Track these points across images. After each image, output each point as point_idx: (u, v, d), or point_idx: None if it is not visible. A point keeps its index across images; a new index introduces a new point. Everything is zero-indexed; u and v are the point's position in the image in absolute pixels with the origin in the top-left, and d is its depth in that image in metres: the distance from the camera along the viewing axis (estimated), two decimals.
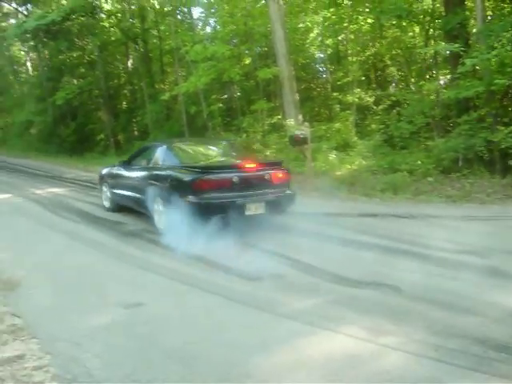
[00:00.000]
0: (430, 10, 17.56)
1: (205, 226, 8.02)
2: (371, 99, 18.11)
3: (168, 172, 9.25)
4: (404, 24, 17.51)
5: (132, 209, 10.77)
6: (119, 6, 30.22)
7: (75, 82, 33.14)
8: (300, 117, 17.42)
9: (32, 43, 34.10)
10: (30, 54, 40.20)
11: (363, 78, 20.04)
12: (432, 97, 16.27)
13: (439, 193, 12.24)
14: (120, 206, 11.42)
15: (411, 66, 19.17)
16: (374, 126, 17.34)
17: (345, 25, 19.22)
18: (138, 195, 10.11)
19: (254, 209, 8.60)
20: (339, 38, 20.65)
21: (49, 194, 15.14)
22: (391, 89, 20.32)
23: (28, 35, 30.56)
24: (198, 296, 5.77)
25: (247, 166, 9.09)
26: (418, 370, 3.90)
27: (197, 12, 54.12)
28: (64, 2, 29.92)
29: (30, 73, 41.56)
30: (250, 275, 6.35)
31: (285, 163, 10.43)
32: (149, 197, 9.47)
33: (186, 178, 8.65)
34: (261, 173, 8.99)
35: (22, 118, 35.96)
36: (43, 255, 7.93)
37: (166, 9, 27.76)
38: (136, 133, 28.53)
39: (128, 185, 10.82)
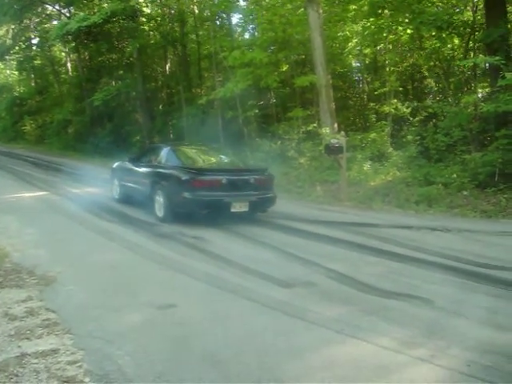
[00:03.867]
0: (470, 22, 17.42)
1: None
2: (408, 110, 17.97)
3: (169, 170, 11.09)
4: (444, 35, 17.35)
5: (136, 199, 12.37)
6: (159, 10, 30.51)
7: (113, 83, 33.53)
8: (336, 125, 17.40)
9: (73, 44, 34.60)
10: (71, 55, 40.70)
11: (400, 89, 19.90)
12: (470, 110, 16.10)
13: (474, 207, 12.12)
14: (127, 197, 13.06)
15: (449, 78, 19.00)
16: (409, 137, 17.19)
17: (384, 35, 19.12)
18: (143, 188, 11.80)
19: (238, 207, 10.29)
20: (377, 47, 20.56)
21: (85, 193, 15.33)
22: (428, 100, 20.16)
23: (69, 37, 30.94)
24: (231, 300, 5.81)
25: (235, 170, 11.35)
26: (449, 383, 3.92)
27: (235, 18, 54.14)
28: (105, 5, 30.29)
29: (70, 73, 42.12)
30: (283, 282, 6.40)
31: (269, 170, 11.72)
32: (151, 190, 11.26)
33: (184, 176, 10.42)
34: (246, 177, 10.69)
35: (60, 117, 36.61)
36: (78, 253, 8.05)
37: (205, 14, 27.91)
38: (172, 135, 28.67)
39: (135, 178, 12.49)
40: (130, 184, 12.86)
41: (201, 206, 10.20)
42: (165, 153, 11.85)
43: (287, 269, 7.10)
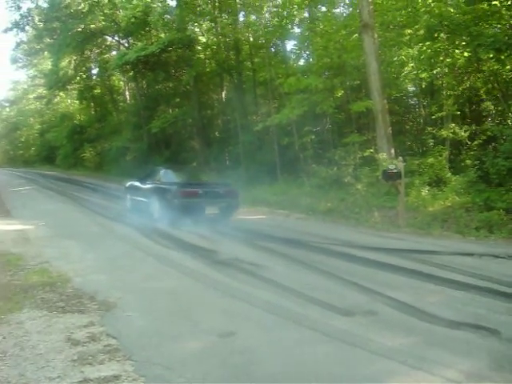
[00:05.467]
0: None
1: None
2: (466, 134, 17.68)
3: (164, 185, 15.00)
4: (502, 57, 17.06)
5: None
6: (215, 39, 31.00)
7: (170, 111, 34.14)
8: (392, 151, 17.26)
9: (131, 74, 35.54)
10: (129, 84, 41.79)
11: (458, 113, 19.57)
12: None
13: None
14: (136, 208, 16.64)
15: (509, 101, 18.61)
16: (468, 161, 16.90)
17: (440, 58, 18.94)
18: (145, 199, 15.76)
19: (211, 210, 14.14)
20: (434, 71, 20.34)
21: (141, 218, 15.54)
22: (487, 124, 19.77)
23: (128, 66, 31.99)
24: (291, 328, 5.78)
25: (208, 184, 15.60)
26: None
27: (290, 45, 54.61)
28: (163, 35, 31.01)
29: (128, 101, 43.12)
30: (343, 310, 6.32)
31: (233, 184, 15.91)
32: (151, 199, 15.23)
33: (173, 189, 14.46)
34: (217, 189, 14.70)
35: (118, 144, 37.48)
36: (137, 278, 8.18)
37: (260, 41, 28.24)
38: (228, 162, 28.92)
39: (141, 192, 16.27)
40: (138, 197, 16.63)
41: (184, 209, 13.83)
42: (162, 173, 16.00)
43: (347, 297, 7.02)
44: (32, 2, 39.45)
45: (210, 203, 14.20)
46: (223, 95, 32.17)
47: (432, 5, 18.33)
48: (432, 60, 19.31)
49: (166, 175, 15.74)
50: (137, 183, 17.02)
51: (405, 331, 5.63)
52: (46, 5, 38.18)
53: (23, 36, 45.96)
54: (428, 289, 7.44)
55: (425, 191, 15.46)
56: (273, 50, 28.27)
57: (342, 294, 7.12)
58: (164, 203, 14.50)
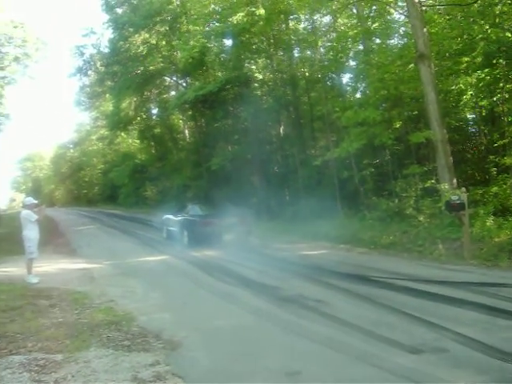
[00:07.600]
0: None
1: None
2: None
3: (191, 217, 18.99)
4: None
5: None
6: (271, 76, 31.32)
7: (229, 148, 34.50)
8: (454, 181, 16.94)
9: (190, 112, 36.22)
10: (188, 123, 42.49)
11: None
12: None
13: None
14: (171, 236, 20.44)
15: None
16: None
17: (500, 85, 18.61)
18: (176, 229, 19.73)
19: (228, 236, 17.53)
20: (494, 98, 19.96)
21: (205, 256, 15.73)
22: None
23: (187, 105, 32.69)
24: (356, 367, 5.72)
25: (226, 215, 17.81)
26: None
27: (346, 78, 54.66)
28: (220, 74, 31.57)
29: (187, 140, 43.81)
30: (409, 347, 6.21)
31: (248, 212, 19.62)
32: (182, 228, 19.19)
33: (197, 220, 18.51)
34: (231, 219, 17.62)
35: (179, 182, 38.30)
36: (202, 317, 8.27)
37: (316, 76, 28.40)
38: (288, 197, 28.93)
39: (173, 224, 20.36)
40: (171, 228, 20.58)
41: (206, 235, 17.60)
42: (190, 207, 20.27)
43: (413, 333, 6.89)
44: (94, 48, 41.42)
45: (226, 231, 17.56)
46: (281, 130, 32.28)
47: (489, 31, 18.07)
48: (491, 87, 18.97)
49: (193, 209, 19.96)
50: (171, 216, 21.19)
51: (476, 369, 5.48)
52: (107, 50, 40.11)
53: (86, 80, 48.31)
54: (498, 324, 7.21)
55: (490, 221, 15.03)
56: (329, 84, 28.29)
57: (408, 331, 7.00)
58: (190, 231, 18.46)
